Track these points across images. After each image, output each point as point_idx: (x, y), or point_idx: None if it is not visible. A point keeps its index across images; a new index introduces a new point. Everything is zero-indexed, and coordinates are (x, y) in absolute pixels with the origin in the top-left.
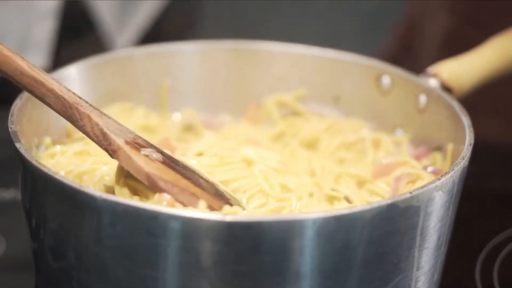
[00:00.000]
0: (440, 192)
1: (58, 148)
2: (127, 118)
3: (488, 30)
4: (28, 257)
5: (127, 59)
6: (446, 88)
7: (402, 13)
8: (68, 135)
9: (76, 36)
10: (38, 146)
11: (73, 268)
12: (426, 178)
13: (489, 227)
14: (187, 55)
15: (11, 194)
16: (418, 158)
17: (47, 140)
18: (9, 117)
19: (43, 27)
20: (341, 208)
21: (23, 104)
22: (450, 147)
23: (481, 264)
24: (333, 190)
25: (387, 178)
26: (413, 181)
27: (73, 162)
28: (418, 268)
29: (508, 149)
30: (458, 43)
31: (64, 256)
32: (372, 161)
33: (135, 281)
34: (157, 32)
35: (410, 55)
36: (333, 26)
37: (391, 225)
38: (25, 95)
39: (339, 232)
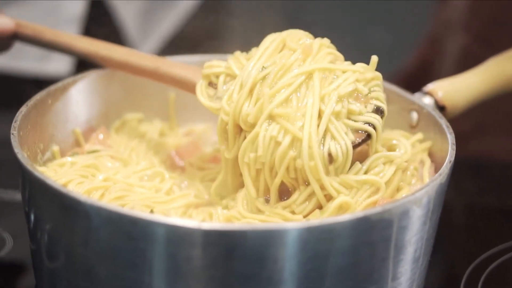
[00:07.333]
0: (414, 206)
1: (69, 159)
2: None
3: (500, 49)
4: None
5: None
6: (440, 106)
7: (425, 30)
8: (76, 142)
9: None
10: (43, 152)
11: (63, 268)
12: None
13: (483, 242)
14: None
15: None
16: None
17: (55, 148)
18: (12, 123)
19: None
20: (313, 220)
21: (28, 111)
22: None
23: (467, 278)
24: None
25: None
26: None
27: (85, 174)
28: (393, 279)
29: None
30: (473, 62)
31: (56, 257)
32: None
33: (117, 282)
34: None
35: (431, 71)
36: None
37: (362, 237)
38: (31, 102)
39: (311, 242)
